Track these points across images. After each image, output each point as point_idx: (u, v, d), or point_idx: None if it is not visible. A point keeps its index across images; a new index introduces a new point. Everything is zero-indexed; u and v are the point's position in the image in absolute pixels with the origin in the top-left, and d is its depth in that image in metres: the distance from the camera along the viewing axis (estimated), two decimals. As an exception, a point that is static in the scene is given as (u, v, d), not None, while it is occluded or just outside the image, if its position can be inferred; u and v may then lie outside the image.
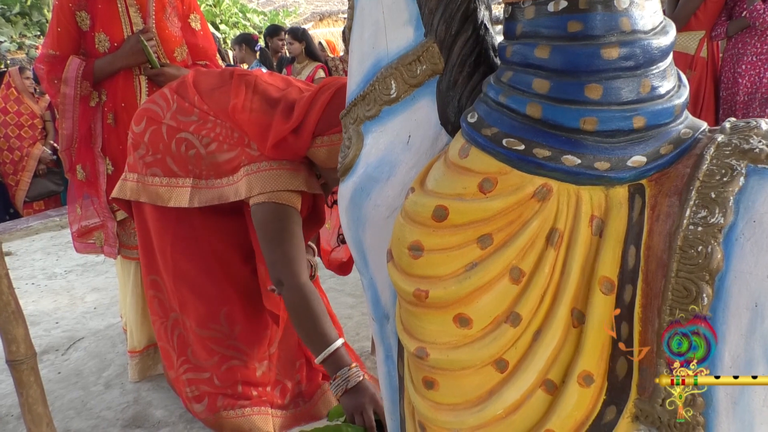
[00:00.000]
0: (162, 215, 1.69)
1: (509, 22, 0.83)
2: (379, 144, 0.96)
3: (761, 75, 3.01)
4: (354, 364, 1.45)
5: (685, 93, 0.79)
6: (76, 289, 3.53)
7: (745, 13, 3.01)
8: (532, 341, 0.80)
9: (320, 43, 5.78)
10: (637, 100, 0.74)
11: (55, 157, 5.25)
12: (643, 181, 0.75)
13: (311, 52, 5.08)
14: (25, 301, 3.19)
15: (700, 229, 0.69)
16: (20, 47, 9.83)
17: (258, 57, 5.16)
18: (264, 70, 4.93)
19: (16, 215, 5.26)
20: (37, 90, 5.30)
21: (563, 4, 0.74)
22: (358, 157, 0.99)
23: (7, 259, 1.47)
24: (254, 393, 1.77)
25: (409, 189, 0.86)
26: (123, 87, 2.08)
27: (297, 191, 1.53)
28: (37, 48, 9.32)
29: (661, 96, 0.75)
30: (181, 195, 1.62)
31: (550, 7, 0.76)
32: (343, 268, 1.89)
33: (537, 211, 0.77)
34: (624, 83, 0.74)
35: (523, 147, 0.76)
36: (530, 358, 0.80)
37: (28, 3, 10.34)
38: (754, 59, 3.03)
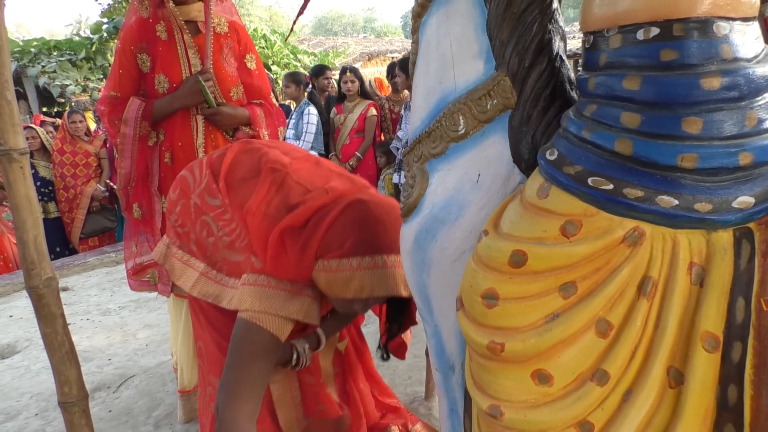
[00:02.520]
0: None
1: (590, 52, 0.77)
2: (446, 183, 0.91)
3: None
4: None
5: (793, 126, 0.71)
6: (129, 326, 3.57)
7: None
8: (622, 402, 0.72)
9: (369, 82, 5.84)
10: (742, 135, 0.66)
11: (107, 194, 5.43)
12: (751, 225, 0.67)
13: (364, 91, 5.14)
14: (79, 337, 3.23)
15: (824, 280, 0.60)
16: (84, 90, 10.34)
17: (307, 96, 5.23)
18: (314, 110, 4.99)
19: (73, 252, 5.43)
20: (102, 130, 5.53)
21: (655, 31, 0.68)
22: (422, 197, 0.94)
23: (63, 294, 1.47)
24: None
25: (481, 232, 0.80)
26: (180, 127, 2.10)
27: (289, 318, 1.34)
28: (99, 90, 9.78)
29: (769, 130, 0.68)
30: (188, 277, 1.52)
31: (640, 35, 0.69)
32: (400, 350, 1.76)
33: (627, 257, 0.69)
34: (727, 116, 0.66)
35: (611, 186, 0.69)
36: (620, 422, 0.71)
37: (93, 49, 10.92)
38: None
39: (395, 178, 4.68)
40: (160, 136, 2.12)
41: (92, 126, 6.93)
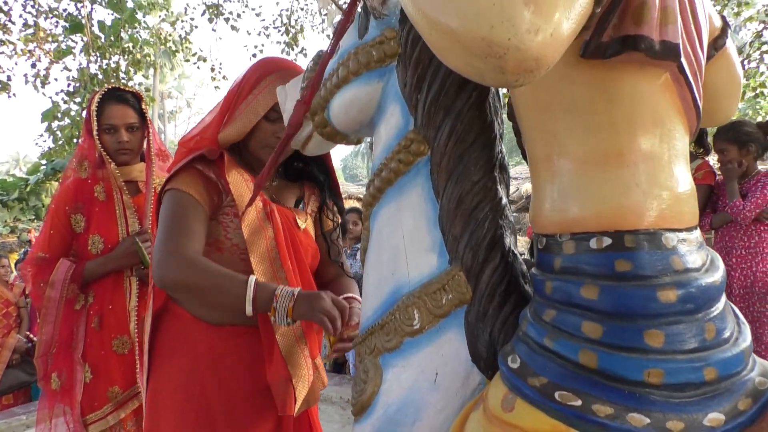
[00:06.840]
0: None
1: (544, 253, 0.77)
2: (402, 381, 0.85)
3: (753, 269, 2.99)
4: (279, 287, 1.21)
5: (747, 332, 0.71)
6: (31, 505, 3.12)
7: (726, 208, 3.07)
8: None
9: None
10: (703, 348, 0.66)
11: (29, 345, 5.01)
12: (723, 443, 0.64)
13: None
14: None
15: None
16: (12, 231, 9.93)
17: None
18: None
19: (-16, 410, 4.87)
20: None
21: (607, 241, 0.69)
22: (376, 395, 0.88)
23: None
24: None
25: (444, 446, 0.73)
26: (112, 289, 1.98)
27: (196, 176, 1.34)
28: (29, 232, 9.40)
29: (727, 340, 0.68)
30: None
31: (593, 244, 0.70)
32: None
33: (602, 478, 0.64)
34: (686, 329, 0.66)
35: (580, 402, 0.65)
36: None
37: (27, 189, 10.66)
38: (744, 252, 3.04)
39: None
40: (89, 299, 1.98)
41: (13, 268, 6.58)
